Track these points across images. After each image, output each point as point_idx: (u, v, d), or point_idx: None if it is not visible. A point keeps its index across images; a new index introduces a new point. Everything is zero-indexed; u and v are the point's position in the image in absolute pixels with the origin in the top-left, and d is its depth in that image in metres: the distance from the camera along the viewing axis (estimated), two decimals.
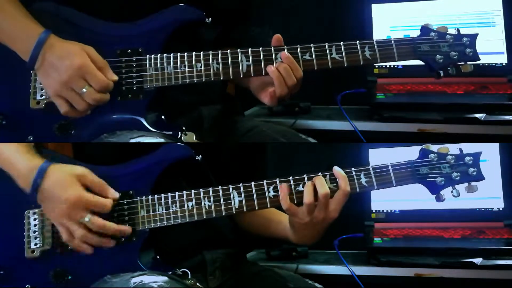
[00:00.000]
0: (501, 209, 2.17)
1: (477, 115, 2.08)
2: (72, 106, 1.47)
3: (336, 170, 1.43)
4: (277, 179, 1.43)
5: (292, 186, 1.43)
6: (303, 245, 2.20)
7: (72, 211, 1.40)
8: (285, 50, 1.49)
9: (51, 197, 1.41)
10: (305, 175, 1.44)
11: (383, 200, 2.25)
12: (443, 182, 1.44)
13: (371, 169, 1.43)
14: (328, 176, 1.43)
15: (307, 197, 1.41)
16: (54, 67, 1.44)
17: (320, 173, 1.44)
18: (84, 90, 1.44)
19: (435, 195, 1.45)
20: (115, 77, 1.48)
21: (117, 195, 1.44)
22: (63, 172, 1.42)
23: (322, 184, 1.42)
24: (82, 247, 1.42)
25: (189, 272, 1.46)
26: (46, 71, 1.45)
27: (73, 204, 1.40)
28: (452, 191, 1.44)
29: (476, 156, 1.44)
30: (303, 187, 1.43)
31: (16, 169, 1.44)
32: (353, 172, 1.43)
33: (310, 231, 1.46)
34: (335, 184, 1.43)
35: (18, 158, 1.45)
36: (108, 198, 1.43)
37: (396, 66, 2.28)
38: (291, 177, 1.43)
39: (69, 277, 1.45)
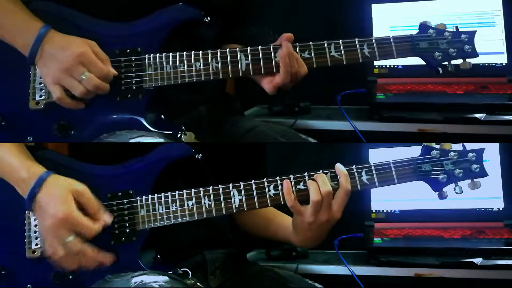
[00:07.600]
0: (501, 209, 2.17)
1: (477, 115, 2.08)
2: (67, 94, 1.46)
3: (338, 167, 1.41)
4: (278, 177, 1.42)
5: (293, 184, 1.41)
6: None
7: (57, 229, 1.36)
8: None
9: (43, 209, 1.38)
10: (305, 173, 1.42)
11: (383, 200, 2.25)
12: (445, 179, 1.42)
13: (372, 166, 1.42)
14: (329, 173, 1.42)
15: (315, 195, 1.38)
16: (53, 57, 1.44)
17: (321, 171, 1.42)
18: (84, 77, 1.43)
19: (438, 192, 1.42)
20: (115, 72, 1.47)
21: (109, 220, 1.41)
22: (60, 186, 1.39)
23: (324, 182, 1.39)
24: (62, 264, 1.40)
25: (190, 272, 1.46)
26: (45, 62, 1.45)
27: (59, 221, 1.36)
28: (454, 188, 1.42)
29: (479, 152, 1.43)
30: (304, 185, 1.41)
31: (15, 177, 1.41)
32: (354, 169, 1.42)
33: (313, 233, 1.43)
34: (336, 182, 1.41)
35: (18, 165, 1.42)
36: (99, 221, 1.39)
37: (396, 66, 2.29)
38: (291, 175, 1.42)
39: (70, 277, 1.44)
